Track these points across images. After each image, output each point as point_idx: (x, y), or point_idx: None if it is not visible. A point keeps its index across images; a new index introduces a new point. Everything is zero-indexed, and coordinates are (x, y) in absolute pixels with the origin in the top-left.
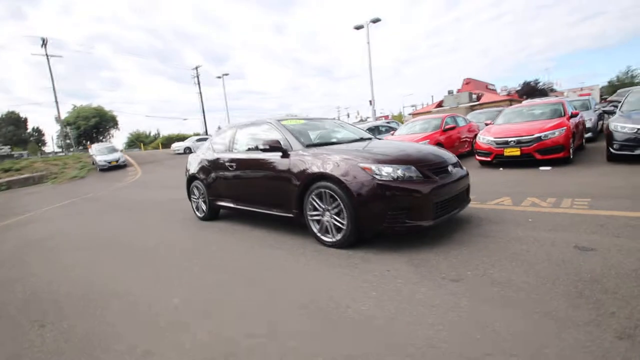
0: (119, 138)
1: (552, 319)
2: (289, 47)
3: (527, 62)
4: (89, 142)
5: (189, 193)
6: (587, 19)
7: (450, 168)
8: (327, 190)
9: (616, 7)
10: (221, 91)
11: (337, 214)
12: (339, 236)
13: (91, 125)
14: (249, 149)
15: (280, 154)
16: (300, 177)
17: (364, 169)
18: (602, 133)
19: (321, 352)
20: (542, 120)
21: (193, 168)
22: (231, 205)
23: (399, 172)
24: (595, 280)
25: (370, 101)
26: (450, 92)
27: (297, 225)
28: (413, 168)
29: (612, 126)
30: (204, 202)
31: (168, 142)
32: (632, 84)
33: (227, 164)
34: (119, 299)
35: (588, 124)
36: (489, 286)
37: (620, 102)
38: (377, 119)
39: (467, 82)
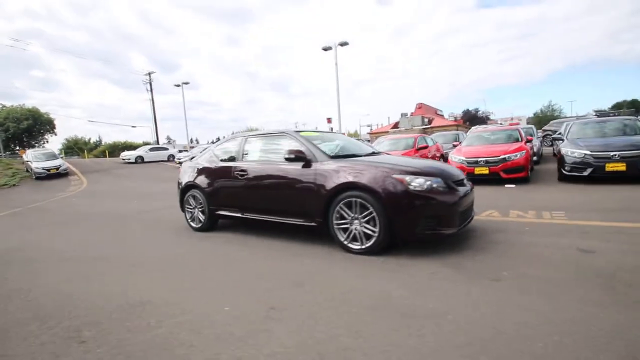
0: (54, 143)
1: (591, 305)
2: (243, 60)
3: (464, 92)
4: (20, 148)
5: (183, 203)
6: (512, 59)
7: (465, 181)
8: (358, 199)
9: (539, 50)
10: (169, 100)
11: (368, 222)
12: (369, 243)
13: (23, 129)
14: (263, 159)
15: (302, 163)
16: (326, 186)
17: (398, 180)
18: (542, 157)
19: (425, 347)
20: (504, 143)
21: (189, 177)
22: (236, 214)
23: (430, 183)
24: (611, 274)
25: (329, 119)
26: (403, 115)
27: (312, 234)
28: (440, 180)
29: (563, 151)
30: (202, 212)
31: (114, 150)
32: (552, 117)
33: (236, 173)
34: (162, 309)
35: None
36: (529, 283)
37: (553, 131)
38: None
39: (420, 106)
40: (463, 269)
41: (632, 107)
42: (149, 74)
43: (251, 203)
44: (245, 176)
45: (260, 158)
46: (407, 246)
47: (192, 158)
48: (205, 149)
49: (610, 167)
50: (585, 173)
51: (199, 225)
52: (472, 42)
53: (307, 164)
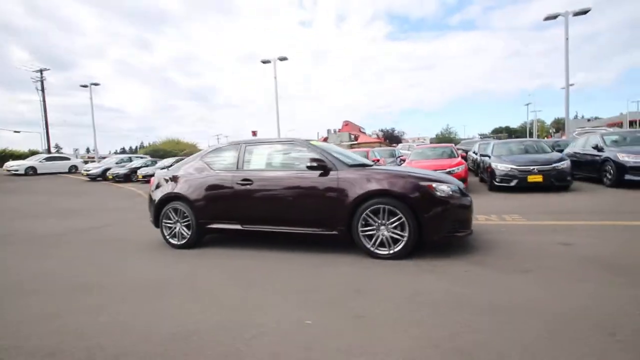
0: None
1: (601, 284)
2: (158, 66)
3: (379, 113)
4: None
5: (158, 218)
6: (416, 86)
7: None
8: (387, 206)
9: (437, 80)
10: (58, 102)
11: (396, 227)
12: (397, 248)
13: None
14: (270, 168)
15: (319, 172)
16: (352, 194)
17: (427, 187)
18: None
19: (549, 338)
20: (445, 158)
21: (168, 188)
22: (234, 227)
23: (450, 190)
24: (594, 259)
25: (254, 132)
26: (329, 131)
27: (313, 244)
28: (456, 187)
29: (493, 166)
30: (187, 226)
31: None
32: (450, 139)
33: (237, 182)
34: (235, 331)
35: None
36: (551, 271)
37: (465, 150)
38: None
39: (346, 124)
40: (488, 265)
41: (507, 132)
42: (41, 71)
43: (256, 214)
44: (249, 186)
45: (267, 167)
46: (418, 250)
47: (166, 168)
48: (181, 159)
49: (531, 178)
50: (512, 183)
51: (182, 242)
52: (383, 69)
53: (326, 172)
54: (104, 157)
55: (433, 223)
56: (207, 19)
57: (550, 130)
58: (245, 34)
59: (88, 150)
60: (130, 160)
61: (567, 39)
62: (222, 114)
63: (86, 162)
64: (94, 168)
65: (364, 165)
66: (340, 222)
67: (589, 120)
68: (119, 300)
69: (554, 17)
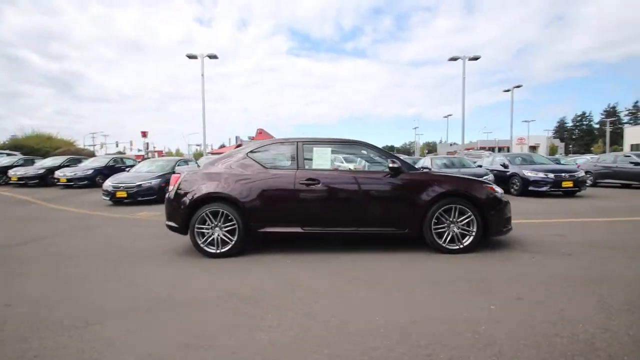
0: None
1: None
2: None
3: (279, 125)
4: None
5: (190, 223)
6: (314, 103)
7: None
8: (458, 205)
9: (332, 99)
10: None
11: (467, 225)
12: (467, 242)
13: None
14: (334, 167)
15: (390, 173)
16: (427, 195)
17: (490, 189)
18: None
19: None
20: None
21: (208, 188)
22: (293, 230)
23: (501, 192)
24: (592, 243)
25: (144, 132)
26: (237, 138)
27: (349, 243)
28: (502, 189)
29: None
30: (231, 231)
31: None
32: None
33: (301, 182)
34: (440, 327)
35: None
36: (587, 256)
37: None
38: (153, 154)
39: (260, 132)
40: (537, 253)
41: (391, 150)
42: None
43: (321, 215)
44: (315, 186)
45: (331, 166)
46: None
47: (45, 169)
48: (220, 155)
49: None
50: None
51: (224, 250)
52: (284, 82)
53: (397, 173)
54: None
55: (495, 220)
56: None
57: (425, 151)
58: (130, 20)
59: None
60: None
61: (464, 77)
62: (92, 108)
63: None
64: None
65: (417, 169)
66: (412, 220)
67: (451, 144)
68: (186, 323)
69: (455, 59)
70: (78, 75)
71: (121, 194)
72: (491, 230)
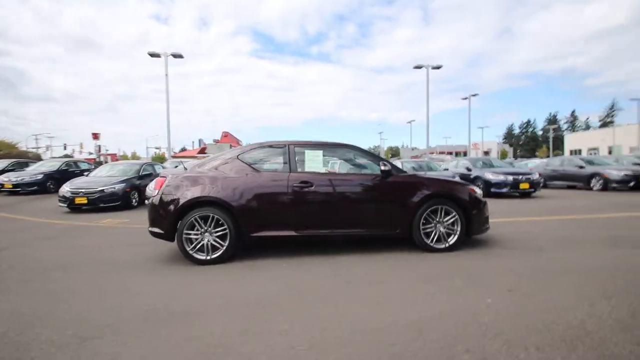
0: None
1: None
2: None
3: (244, 127)
4: None
5: (176, 229)
6: (279, 105)
7: None
8: (444, 206)
9: (297, 102)
10: None
11: (452, 224)
12: (452, 241)
13: None
14: (326, 170)
15: (382, 175)
16: (416, 196)
17: (471, 190)
18: None
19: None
20: None
21: (196, 191)
22: (288, 233)
23: (480, 193)
24: (560, 239)
25: (95, 134)
26: (200, 141)
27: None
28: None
29: None
30: (222, 237)
31: None
32: None
33: (295, 185)
34: (447, 322)
35: None
36: (556, 251)
37: None
38: (105, 157)
39: (225, 134)
40: (513, 249)
41: None
42: None
43: (315, 218)
44: (309, 188)
45: (323, 169)
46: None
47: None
48: (210, 156)
49: None
50: None
51: (214, 256)
52: (248, 84)
53: (389, 175)
54: None
55: (476, 220)
56: None
57: (389, 155)
58: (80, 15)
59: None
60: None
61: (427, 85)
62: (36, 109)
63: None
64: None
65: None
66: (402, 221)
67: (412, 149)
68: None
69: (420, 67)
70: (20, 73)
71: (81, 200)
72: (474, 229)
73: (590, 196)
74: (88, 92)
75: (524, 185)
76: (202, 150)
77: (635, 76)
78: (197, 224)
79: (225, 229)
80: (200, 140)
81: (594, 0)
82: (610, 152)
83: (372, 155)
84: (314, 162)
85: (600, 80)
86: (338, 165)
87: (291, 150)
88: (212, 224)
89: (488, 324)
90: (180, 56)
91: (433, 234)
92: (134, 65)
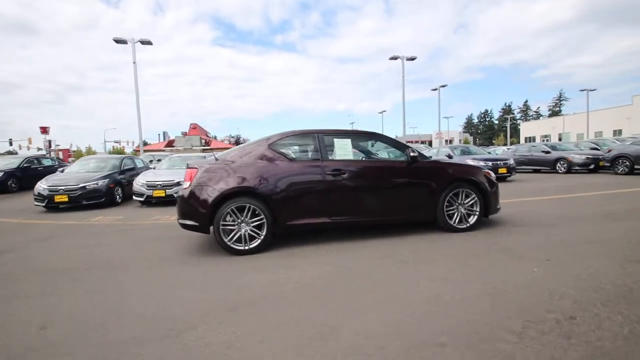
0: None
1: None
2: None
3: (206, 119)
4: None
5: (213, 221)
6: (243, 97)
7: None
8: (464, 189)
9: (262, 93)
10: None
11: (471, 206)
12: (473, 221)
13: None
14: (356, 158)
15: (407, 162)
16: (442, 181)
17: (487, 174)
18: None
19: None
20: None
21: (231, 182)
22: (322, 221)
23: (494, 175)
24: (562, 216)
25: (44, 128)
26: (165, 134)
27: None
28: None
29: None
30: (258, 227)
31: None
32: None
33: (328, 173)
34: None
35: None
36: (566, 226)
37: None
38: (57, 152)
39: (194, 127)
40: (527, 225)
41: None
42: None
43: (349, 205)
44: (342, 176)
45: (354, 157)
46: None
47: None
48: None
49: None
50: None
51: (253, 246)
52: (210, 74)
53: (414, 162)
54: None
55: (492, 201)
56: None
57: None
58: None
59: None
60: None
61: (403, 76)
62: None
63: None
64: None
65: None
66: (428, 205)
67: None
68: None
69: (395, 58)
70: None
71: (61, 198)
72: (490, 209)
73: (558, 178)
74: (27, 81)
75: (502, 170)
76: (170, 144)
77: (577, 69)
78: (233, 215)
79: (262, 219)
80: (165, 133)
81: None
82: (560, 139)
83: (397, 142)
84: (344, 150)
85: (548, 72)
86: (364, 153)
87: (320, 139)
88: (249, 213)
89: (551, 288)
90: (149, 43)
91: (455, 216)
92: (82, 53)
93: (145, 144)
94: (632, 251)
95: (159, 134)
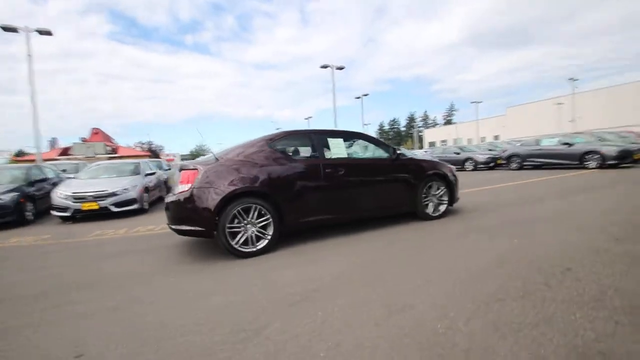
0: None
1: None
2: None
3: (105, 122)
4: None
5: (220, 224)
6: (149, 99)
7: None
8: (435, 183)
9: (174, 97)
10: None
11: (441, 197)
12: (442, 210)
13: None
14: (348, 156)
15: (392, 159)
16: (420, 176)
17: (451, 169)
18: None
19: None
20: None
21: (237, 183)
22: (325, 217)
23: (455, 169)
24: (507, 203)
25: None
26: (55, 140)
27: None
28: None
29: None
30: (264, 227)
31: None
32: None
33: (327, 171)
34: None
35: None
36: (509, 211)
37: None
38: None
39: (96, 132)
40: (490, 211)
41: None
42: None
43: (348, 201)
44: (339, 173)
45: (348, 155)
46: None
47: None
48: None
49: None
50: None
51: (260, 247)
52: (108, 72)
53: (398, 159)
54: None
55: (455, 191)
56: None
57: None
58: None
59: None
60: None
61: (334, 84)
62: None
63: None
64: None
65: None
66: (411, 198)
67: None
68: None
69: (326, 67)
70: None
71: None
72: (454, 199)
73: (470, 175)
74: None
75: None
76: (65, 152)
77: (463, 84)
78: (239, 217)
79: (268, 219)
80: (54, 140)
81: (433, 18)
82: (455, 143)
83: (380, 141)
84: (339, 149)
85: (442, 86)
86: (354, 151)
87: (316, 138)
88: (255, 214)
89: (535, 253)
90: (49, 33)
91: (430, 206)
92: None
93: (23, 154)
94: (572, 222)
95: (48, 141)
